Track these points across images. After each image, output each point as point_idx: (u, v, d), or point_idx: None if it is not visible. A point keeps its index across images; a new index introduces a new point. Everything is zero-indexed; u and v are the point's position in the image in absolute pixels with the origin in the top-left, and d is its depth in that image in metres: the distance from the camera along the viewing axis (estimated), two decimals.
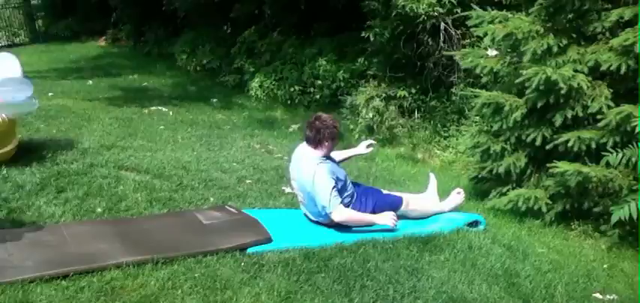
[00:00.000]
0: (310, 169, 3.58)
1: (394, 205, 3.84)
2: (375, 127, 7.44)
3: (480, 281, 3.11)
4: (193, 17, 12.05)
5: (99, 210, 3.80)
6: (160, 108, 7.86)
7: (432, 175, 4.34)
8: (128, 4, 13.80)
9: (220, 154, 5.57)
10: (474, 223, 4.00)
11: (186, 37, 12.06)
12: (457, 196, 4.14)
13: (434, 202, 4.11)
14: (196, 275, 2.91)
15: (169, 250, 3.13)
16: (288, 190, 4.60)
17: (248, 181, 4.75)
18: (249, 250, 3.26)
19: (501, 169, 4.53)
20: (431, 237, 3.67)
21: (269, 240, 3.39)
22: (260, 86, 9.43)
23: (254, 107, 8.94)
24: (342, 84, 8.53)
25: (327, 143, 3.67)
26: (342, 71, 8.57)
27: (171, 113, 7.64)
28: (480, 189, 4.97)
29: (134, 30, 14.31)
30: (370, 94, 7.57)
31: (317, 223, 3.77)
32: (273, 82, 9.34)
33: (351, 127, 7.86)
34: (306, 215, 3.88)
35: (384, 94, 7.51)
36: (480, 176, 4.92)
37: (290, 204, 4.26)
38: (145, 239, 3.29)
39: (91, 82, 9.77)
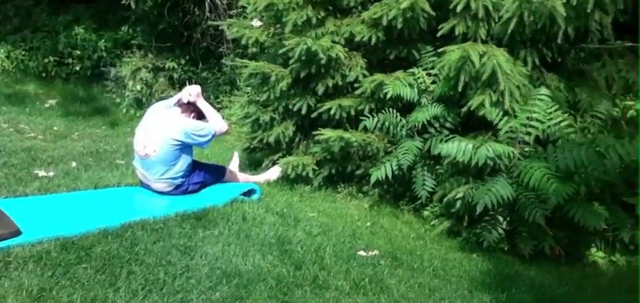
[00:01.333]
0: (179, 121, 3.87)
1: (221, 171, 4.24)
2: (144, 99, 7.06)
3: (254, 252, 3.10)
4: None
5: None
6: None
7: (235, 154, 4.72)
8: None
9: None
10: (248, 192, 4.01)
11: None
12: (275, 170, 4.48)
13: (243, 176, 4.41)
14: None
15: None
16: (42, 173, 4.06)
17: None
18: None
19: (271, 139, 4.61)
20: (205, 212, 3.55)
21: (17, 233, 2.92)
22: (7, 57, 8.24)
23: (0, 81, 7.78)
24: (105, 55, 7.89)
25: (193, 115, 3.98)
26: (103, 40, 7.91)
27: None
28: (253, 158, 5.01)
29: None
30: (136, 66, 7.14)
31: (161, 193, 3.88)
32: (24, 53, 8.24)
33: (118, 100, 7.35)
34: (148, 187, 3.93)
35: (151, 65, 7.14)
36: (252, 146, 4.95)
37: (44, 189, 3.76)
38: None
39: None
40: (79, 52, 7.98)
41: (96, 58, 7.94)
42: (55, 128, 5.85)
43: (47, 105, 7.05)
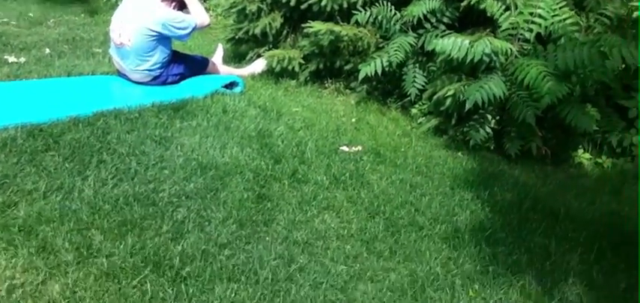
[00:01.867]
0: (157, 10, 3.63)
1: (204, 63, 4.05)
2: None
3: (232, 144, 2.97)
4: None
5: None
6: None
7: (219, 45, 4.58)
8: None
9: None
10: (230, 85, 3.84)
11: None
12: (260, 63, 4.29)
13: (227, 69, 4.26)
14: None
15: None
16: (12, 59, 3.87)
17: None
18: None
19: (257, 30, 4.38)
20: (183, 103, 3.41)
21: None
22: None
23: None
24: None
25: (173, 4, 3.75)
26: None
27: None
28: (237, 50, 4.79)
29: None
30: None
31: (138, 83, 3.74)
32: None
33: None
34: (125, 77, 3.78)
35: None
36: (237, 37, 4.72)
37: (14, 76, 3.59)
38: None
39: None
40: None
41: None
42: (30, 14, 5.56)
43: None
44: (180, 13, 3.74)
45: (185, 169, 2.66)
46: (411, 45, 3.74)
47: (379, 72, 3.76)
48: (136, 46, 3.57)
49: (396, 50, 3.68)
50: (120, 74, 3.80)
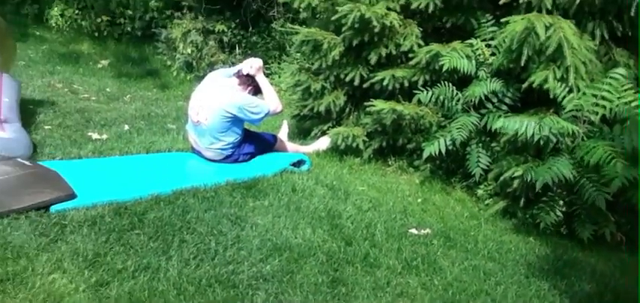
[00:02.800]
0: (235, 94, 3.87)
1: (271, 141, 4.22)
2: (194, 63, 7.08)
3: (304, 225, 3.06)
4: None
5: None
6: None
7: (284, 122, 4.72)
8: None
9: None
10: (298, 163, 3.97)
11: None
12: (325, 140, 4.42)
13: (293, 146, 4.40)
14: None
15: None
16: (95, 136, 4.12)
17: (47, 127, 4.16)
18: (51, 210, 2.83)
19: (322, 108, 4.53)
20: (255, 181, 3.54)
21: (72, 196, 2.96)
22: (61, 15, 8.35)
23: (55, 40, 7.88)
24: (156, 15, 7.91)
25: (249, 89, 3.96)
26: (154, 0, 7.93)
27: None
28: (302, 127, 4.95)
29: None
30: (187, 28, 7.13)
31: (212, 160, 3.91)
32: (77, 12, 8.33)
33: (169, 63, 7.39)
34: (199, 154, 3.95)
35: (201, 28, 7.12)
36: (301, 114, 4.89)
37: (98, 152, 3.82)
38: None
39: None
40: (130, 12, 8.02)
41: (148, 19, 7.97)
42: (108, 90, 5.92)
43: (100, 65, 7.14)
44: (255, 98, 3.94)
45: (261, 250, 2.75)
46: (474, 124, 3.79)
47: (443, 151, 3.81)
48: (211, 125, 3.77)
49: (459, 129, 3.73)
50: (194, 151, 3.99)
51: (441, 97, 3.94)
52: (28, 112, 4.35)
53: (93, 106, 4.83)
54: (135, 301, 2.23)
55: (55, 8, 8.36)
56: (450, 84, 3.89)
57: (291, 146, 4.36)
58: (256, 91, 3.98)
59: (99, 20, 8.08)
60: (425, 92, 3.96)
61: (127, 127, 4.50)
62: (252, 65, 3.95)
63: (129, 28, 8.08)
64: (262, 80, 3.99)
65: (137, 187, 3.23)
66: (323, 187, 3.65)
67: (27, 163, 3.34)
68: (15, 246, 2.47)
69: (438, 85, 3.93)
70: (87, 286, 2.28)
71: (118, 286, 2.32)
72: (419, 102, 4.03)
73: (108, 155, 3.82)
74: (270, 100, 3.96)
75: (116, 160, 3.76)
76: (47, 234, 2.61)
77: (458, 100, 3.93)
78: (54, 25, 8.23)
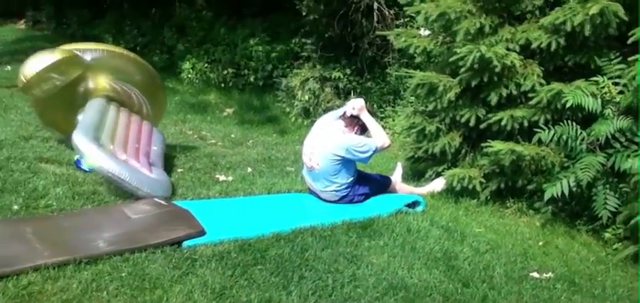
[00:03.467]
0: (341, 136, 3.99)
1: (386, 182, 4.27)
2: (311, 109, 7.36)
3: (419, 265, 3.07)
4: None
5: (15, 207, 3.48)
6: None
7: (399, 164, 4.69)
8: None
9: None
10: (412, 204, 3.98)
11: (111, 18, 11.49)
12: (440, 182, 4.41)
13: (407, 188, 4.43)
14: (123, 274, 2.71)
15: (93, 249, 2.91)
16: (222, 178, 4.43)
17: (180, 170, 4.54)
18: (183, 245, 3.09)
19: (436, 150, 4.52)
20: (370, 221, 3.61)
21: (202, 233, 3.21)
22: (192, 68, 9.10)
23: (186, 91, 8.61)
24: (277, 65, 8.37)
25: (356, 129, 4.07)
26: (275, 53, 8.40)
27: None
28: (416, 169, 4.96)
29: (55, 11, 13.50)
30: (305, 76, 7.48)
31: (326, 200, 4.04)
32: (206, 65, 9.03)
33: (288, 109, 7.75)
34: (315, 194, 4.11)
35: (319, 75, 7.42)
36: (416, 156, 4.91)
37: (224, 193, 4.09)
38: (67, 238, 3.04)
39: (9, 67, 9.13)
40: (253, 64, 8.55)
41: (269, 69, 8.45)
42: (232, 135, 6.33)
43: (225, 113, 7.66)
44: (362, 137, 4.03)
45: (377, 288, 2.80)
46: (601, 164, 3.60)
47: (566, 192, 3.64)
48: (323, 169, 3.91)
49: (584, 169, 3.55)
50: (311, 192, 4.15)
51: (565, 136, 3.78)
52: (164, 156, 4.77)
53: (219, 150, 5.19)
54: None
55: (187, 63, 9.12)
56: (573, 122, 3.73)
57: (406, 188, 4.38)
58: (363, 130, 4.07)
59: (225, 72, 8.69)
60: (546, 131, 3.83)
61: (250, 169, 4.79)
62: (354, 106, 4.05)
63: (252, 79, 8.59)
64: (367, 118, 4.06)
65: (259, 225, 3.43)
66: (438, 228, 3.63)
67: (163, 202, 3.67)
68: (152, 277, 2.71)
69: (561, 124, 3.78)
70: None
71: None
72: (539, 142, 3.91)
73: (233, 196, 4.08)
74: (377, 137, 4.02)
75: (240, 201, 4.00)
76: (180, 267, 2.84)
77: (582, 139, 3.75)
78: (185, 77, 8.97)
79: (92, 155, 3.76)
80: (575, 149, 3.80)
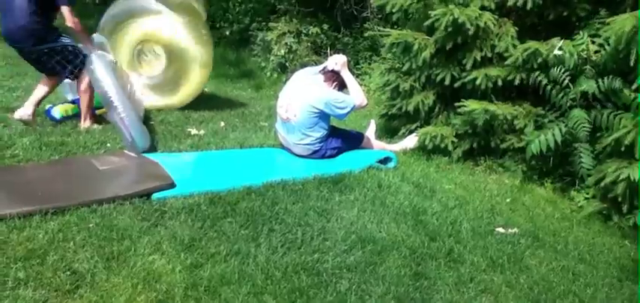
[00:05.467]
0: (321, 90, 3.97)
1: (359, 138, 4.29)
2: (287, 64, 7.29)
3: (388, 220, 3.10)
4: None
5: None
6: None
7: (372, 121, 4.74)
8: None
9: None
10: (384, 160, 4.01)
11: None
12: (412, 139, 4.44)
13: (380, 144, 4.44)
14: (90, 225, 2.69)
15: (60, 200, 2.87)
16: (194, 131, 4.38)
17: (151, 123, 4.48)
18: (153, 197, 3.07)
19: (410, 107, 4.53)
20: (341, 176, 3.62)
21: (172, 185, 3.19)
22: None
23: None
24: (254, 18, 8.23)
25: (335, 84, 4.06)
26: (252, 4, 8.25)
27: None
28: (389, 126, 4.98)
29: None
30: (282, 31, 7.37)
31: (300, 156, 4.03)
32: None
33: (263, 64, 7.66)
34: (288, 150, 4.09)
35: (295, 30, 7.33)
36: (389, 113, 4.92)
37: (196, 147, 4.06)
38: (33, 189, 2.99)
39: None
40: (230, 17, 8.39)
41: (246, 23, 8.30)
42: (206, 89, 6.24)
43: None
44: (341, 93, 4.01)
45: (345, 241, 2.82)
46: (588, 121, 3.58)
47: (552, 146, 3.64)
48: (300, 121, 3.89)
49: (577, 123, 3.56)
50: (283, 147, 4.14)
51: (549, 88, 3.79)
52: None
53: (192, 104, 5.12)
54: (226, 283, 2.37)
55: None
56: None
57: (378, 144, 4.40)
58: (342, 86, 4.06)
59: None
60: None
61: (222, 124, 4.75)
62: (336, 61, 4.04)
63: (227, 33, 8.45)
64: (347, 76, 4.06)
65: (231, 178, 3.41)
66: (409, 184, 3.66)
67: (132, 154, 3.62)
68: (120, 228, 2.70)
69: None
70: (183, 267, 2.45)
71: (211, 268, 2.47)
72: (512, 102, 3.92)
73: (205, 149, 4.04)
74: (356, 95, 4.02)
75: (212, 154, 3.97)
76: (149, 219, 2.83)
77: (566, 95, 3.75)
78: None
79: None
80: (558, 103, 3.80)
